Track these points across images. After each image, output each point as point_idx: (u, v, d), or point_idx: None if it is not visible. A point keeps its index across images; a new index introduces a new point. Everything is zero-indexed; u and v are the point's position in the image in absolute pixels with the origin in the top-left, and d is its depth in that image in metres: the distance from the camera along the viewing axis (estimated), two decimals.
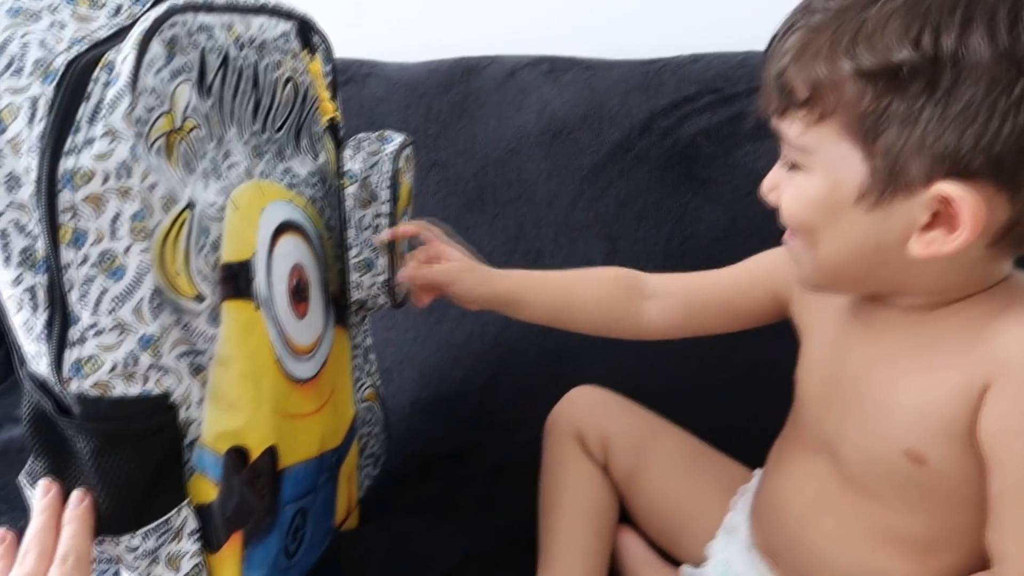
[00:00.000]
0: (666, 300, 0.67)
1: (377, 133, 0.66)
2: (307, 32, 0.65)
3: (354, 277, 0.63)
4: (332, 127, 0.67)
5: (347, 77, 1.01)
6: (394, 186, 0.63)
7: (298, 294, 0.61)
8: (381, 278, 0.63)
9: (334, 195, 0.71)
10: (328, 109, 0.65)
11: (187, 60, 0.50)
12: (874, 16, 0.43)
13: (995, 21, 0.40)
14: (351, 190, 0.62)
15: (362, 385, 0.74)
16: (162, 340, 0.48)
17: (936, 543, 0.50)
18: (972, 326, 0.47)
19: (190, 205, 0.50)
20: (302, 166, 0.65)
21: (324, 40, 0.67)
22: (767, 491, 0.61)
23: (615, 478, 0.70)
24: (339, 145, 0.68)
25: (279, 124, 0.63)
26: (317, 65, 0.64)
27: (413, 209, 0.74)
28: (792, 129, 0.47)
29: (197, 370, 0.51)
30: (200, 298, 0.50)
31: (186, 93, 0.50)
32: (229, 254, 0.53)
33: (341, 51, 1.04)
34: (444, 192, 0.93)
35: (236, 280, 0.53)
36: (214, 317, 0.52)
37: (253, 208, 0.57)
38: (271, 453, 0.57)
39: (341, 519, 0.71)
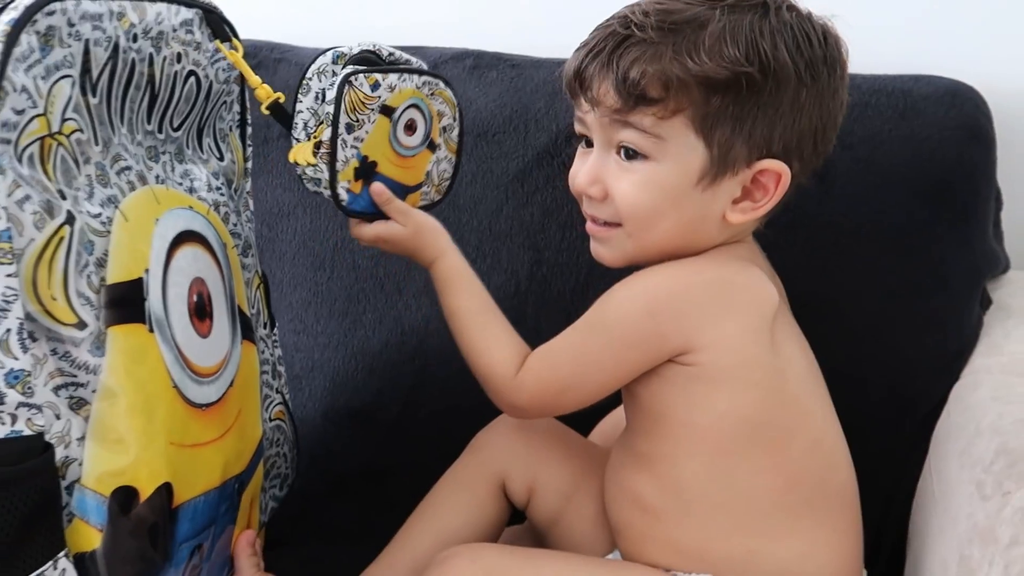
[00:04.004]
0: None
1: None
2: (215, 20, 0.58)
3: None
4: (243, 121, 0.61)
5: (256, 62, 0.93)
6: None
7: (200, 311, 0.56)
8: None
9: (241, 198, 0.65)
10: (263, 95, 0.59)
11: (67, 53, 0.44)
12: (708, 34, 0.54)
13: (797, 43, 0.55)
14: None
15: (271, 403, 0.69)
16: (34, 374, 0.42)
17: (656, 455, 0.59)
18: None
19: (69, 219, 0.44)
20: (204, 168, 0.59)
21: (231, 27, 0.61)
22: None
23: (536, 519, 0.68)
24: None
25: (178, 123, 0.57)
26: (237, 53, 0.58)
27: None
28: (645, 121, 0.56)
29: (78, 405, 0.46)
30: (81, 325, 0.45)
31: (66, 91, 0.44)
32: (117, 273, 0.47)
33: (251, 32, 0.98)
34: None
35: (125, 303, 0.47)
36: (98, 346, 0.46)
37: (146, 219, 0.51)
38: (166, 491, 0.51)
39: None
